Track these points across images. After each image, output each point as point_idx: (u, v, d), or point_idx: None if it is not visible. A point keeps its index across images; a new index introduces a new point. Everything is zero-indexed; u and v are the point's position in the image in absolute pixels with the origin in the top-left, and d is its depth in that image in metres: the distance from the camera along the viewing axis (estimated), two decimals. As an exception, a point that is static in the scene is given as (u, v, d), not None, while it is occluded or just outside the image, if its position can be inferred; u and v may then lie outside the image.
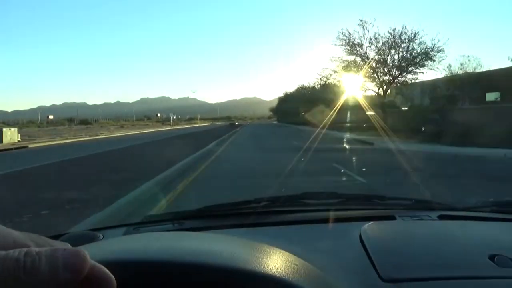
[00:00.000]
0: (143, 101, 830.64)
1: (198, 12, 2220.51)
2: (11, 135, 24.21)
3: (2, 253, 0.30)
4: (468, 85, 23.80)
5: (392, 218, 1.25)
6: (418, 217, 1.25)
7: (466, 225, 1.19)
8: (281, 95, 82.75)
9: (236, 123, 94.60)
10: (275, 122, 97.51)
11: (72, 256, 0.31)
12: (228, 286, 0.60)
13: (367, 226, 1.06)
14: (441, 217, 1.25)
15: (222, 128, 52.95)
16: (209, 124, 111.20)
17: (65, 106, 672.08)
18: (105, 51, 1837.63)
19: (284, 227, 1.20)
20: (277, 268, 0.65)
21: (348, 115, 34.19)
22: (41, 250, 0.31)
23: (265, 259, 0.69)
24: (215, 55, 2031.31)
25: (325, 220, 1.22)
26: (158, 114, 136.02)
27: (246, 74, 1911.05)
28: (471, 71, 26.53)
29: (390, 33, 23.46)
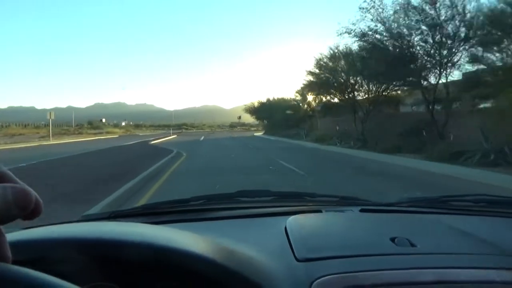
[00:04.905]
0: (98, 106, 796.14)
1: (158, 17, 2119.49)
2: None
3: None
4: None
5: (318, 212, 1.36)
6: (342, 211, 1.37)
7: (380, 217, 1.34)
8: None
9: (176, 132, 49.98)
10: (258, 135, 48.70)
11: (21, 195, 0.35)
12: (152, 262, 0.69)
13: (292, 218, 1.16)
14: (362, 211, 1.37)
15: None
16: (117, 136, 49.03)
17: (11, 110, 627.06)
18: (58, 54, 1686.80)
19: (218, 222, 1.27)
20: (202, 248, 0.74)
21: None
22: None
23: (190, 242, 0.78)
24: (175, 62, 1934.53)
25: (257, 215, 1.31)
26: (103, 120, 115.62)
27: (207, 82, 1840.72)
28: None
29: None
